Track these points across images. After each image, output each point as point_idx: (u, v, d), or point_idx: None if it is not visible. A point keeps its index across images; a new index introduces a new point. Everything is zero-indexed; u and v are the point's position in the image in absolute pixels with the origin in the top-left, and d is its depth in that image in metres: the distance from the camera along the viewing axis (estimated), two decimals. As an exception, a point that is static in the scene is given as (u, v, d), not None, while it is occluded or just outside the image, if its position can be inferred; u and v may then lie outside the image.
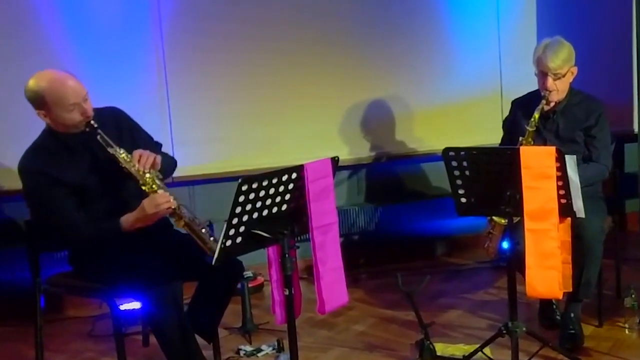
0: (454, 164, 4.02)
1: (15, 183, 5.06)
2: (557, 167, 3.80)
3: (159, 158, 4.03)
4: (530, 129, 4.53)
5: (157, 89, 5.62)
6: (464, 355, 4.38)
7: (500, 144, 4.96)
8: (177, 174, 5.42)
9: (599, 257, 4.47)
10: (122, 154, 3.94)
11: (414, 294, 4.40)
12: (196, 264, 4.07)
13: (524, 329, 4.13)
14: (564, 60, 4.56)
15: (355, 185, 6.30)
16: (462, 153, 3.99)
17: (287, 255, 3.54)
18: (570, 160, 3.80)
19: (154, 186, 3.95)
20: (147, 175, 3.95)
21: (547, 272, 3.86)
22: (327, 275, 3.65)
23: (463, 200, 4.11)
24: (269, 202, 3.50)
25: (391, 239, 6.25)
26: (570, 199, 3.84)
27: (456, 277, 5.99)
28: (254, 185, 3.40)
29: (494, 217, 4.66)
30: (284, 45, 5.92)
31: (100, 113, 4.04)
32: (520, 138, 4.56)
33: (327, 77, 6.03)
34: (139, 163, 3.93)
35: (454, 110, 6.23)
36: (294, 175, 3.54)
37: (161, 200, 3.91)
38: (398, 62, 6.17)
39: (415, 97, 6.24)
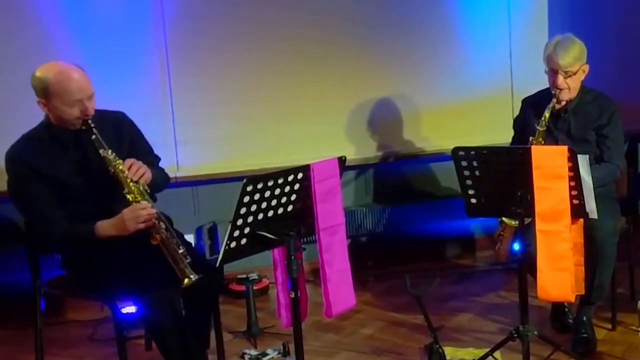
0: (464, 163, 4.00)
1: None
2: (569, 167, 3.78)
3: (149, 173, 3.95)
4: (541, 129, 4.49)
5: (160, 89, 5.60)
6: (474, 360, 4.34)
7: (510, 144, 4.93)
8: (180, 174, 5.41)
9: (612, 259, 4.42)
10: (112, 158, 3.85)
11: (423, 296, 4.36)
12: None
13: (536, 332, 4.10)
14: (575, 57, 4.51)
15: (363, 186, 6.26)
16: (472, 153, 3.97)
17: (293, 257, 3.52)
18: (583, 160, 3.78)
19: (138, 197, 3.86)
20: (134, 185, 3.87)
21: (559, 274, 3.83)
22: (334, 278, 3.64)
23: (473, 200, 4.09)
24: (274, 202, 3.48)
25: (399, 240, 6.21)
26: (583, 199, 3.82)
27: (466, 279, 5.96)
28: (259, 186, 3.39)
29: (504, 219, 4.65)
30: (288, 45, 5.89)
31: (104, 115, 4.02)
32: (531, 138, 4.52)
33: (333, 77, 6.00)
34: (128, 170, 3.86)
35: (463, 109, 6.19)
36: (300, 176, 3.53)
37: (142, 212, 3.80)
38: (405, 61, 6.14)
39: (424, 95, 6.20)
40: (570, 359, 4.31)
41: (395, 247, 6.19)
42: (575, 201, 3.81)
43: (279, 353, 4.71)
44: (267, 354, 4.70)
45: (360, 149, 6.11)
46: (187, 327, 4.00)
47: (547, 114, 4.49)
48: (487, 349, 4.30)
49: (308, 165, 3.53)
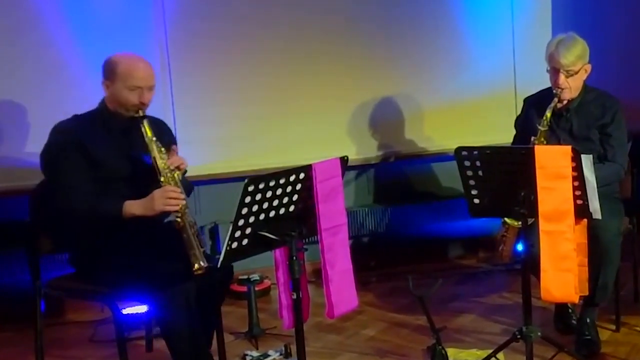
0: (467, 163, 3.99)
1: (15, 182, 5.03)
2: (572, 167, 3.76)
3: (185, 165, 4.15)
4: (543, 128, 4.48)
5: (161, 89, 5.57)
6: (477, 361, 4.34)
7: (512, 144, 4.91)
8: (181, 174, 5.38)
9: (616, 260, 4.40)
10: (156, 146, 4.03)
11: (425, 297, 4.34)
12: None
13: (539, 333, 4.08)
14: (577, 56, 4.49)
15: (364, 186, 6.25)
16: (475, 152, 3.96)
17: (294, 258, 3.52)
18: (587, 160, 3.77)
19: (171, 182, 4.01)
20: (169, 172, 4.02)
21: (562, 275, 3.82)
22: (336, 279, 3.63)
23: (476, 201, 4.08)
24: (275, 203, 3.48)
25: (402, 240, 6.21)
26: (587, 199, 3.81)
27: (469, 280, 5.96)
28: (261, 186, 3.38)
29: (507, 220, 4.63)
30: (290, 45, 5.90)
31: (149, 117, 4.16)
32: (532, 137, 4.50)
33: (334, 76, 6.00)
34: (168, 160, 4.04)
35: (465, 109, 6.19)
36: (301, 176, 3.53)
37: (173, 194, 3.95)
38: (407, 60, 6.14)
39: (426, 95, 6.21)
40: (574, 361, 4.31)
41: (397, 248, 6.19)
42: (579, 201, 3.80)
43: (280, 354, 4.69)
44: (269, 355, 4.68)
45: (362, 148, 6.11)
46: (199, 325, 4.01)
47: (548, 114, 4.47)
48: (490, 350, 4.28)
49: (310, 165, 3.52)
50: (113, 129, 4.15)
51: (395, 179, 6.31)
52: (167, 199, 3.93)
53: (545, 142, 4.47)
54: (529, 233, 3.99)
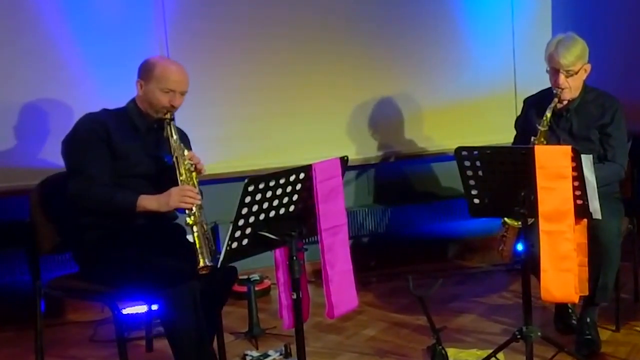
0: (467, 163, 3.98)
1: (15, 182, 5.03)
2: (572, 167, 3.76)
3: (204, 168, 4.23)
4: (543, 128, 4.47)
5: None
6: (477, 361, 4.33)
7: (512, 144, 4.90)
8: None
9: (617, 260, 4.40)
10: (178, 146, 4.10)
11: (425, 297, 4.33)
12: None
13: (539, 333, 4.07)
14: (576, 57, 4.49)
15: (364, 186, 6.25)
16: (475, 153, 3.96)
17: (294, 258, 3.51)
18: (587, 160, 3.77)
19: (190, 183, 4.06)
20: (189, 173, 4.09)
21: (562, 275, 3.82)
22: (336, 279, 3.62)
23: (476, 201, 4.07)
24: (276, 203, 3.47)
25: (402, 241, 6.21)
26: (587, 199, 3.81)
27: (469, 280, 5.95)
28: (261, 186, 3.38)
29: (507, 220, 4.62)
30: (290, 45, 5.90)
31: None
32: (533, 138, 4.49)
33: (334, 76, 5.99)
34: (189, 160, 4.11)
35: (465, 109, 6.19)
36: (301, 176, 3.52)
37: (190, 193, 3.99)
38: (407, 60, 6.14)
39: (426, 95, 6.20)
40: (574, 361, 4.30)
41: (397, 248, 6.18)
42: (579, 201, 3.79)
43: (280, 354, 4.69)
44: (269, 355, 4.67)
45: (362, 148, 6.11)
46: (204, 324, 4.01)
47: (548, 114, 4.46)
48: (491, 350, 4.27)
49: (310, 165, 3.51)
50: (139, 127, 4.22)
51: (395, 179, 6.31)
52: (184, 196, 3.97)
53: (545, 142, 4.46)
54: (529, 233, 3.99)
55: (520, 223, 4.17)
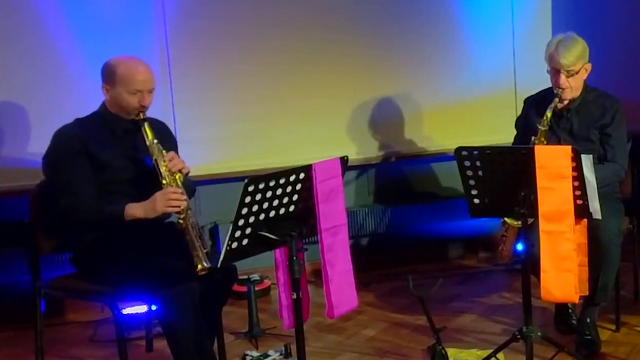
0: (467, 163, 3.97)
1: (15, 182, 5.03)
2: (572, 167, 3.75)
3: (187, 168, 4.16)
4: (543, 128, 4.47)
5: (161, 89, 5.56)
6: (477, 361, 4.33)
7: (513, 143, 4.89)
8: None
9: (617, 260, 4.39)
10: (157, 148, 4.04)
11: (425, 297, 4.33)
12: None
13: (539, 333, 4.07)
14: (577, 56, 4.48)
15: (364, 186, 6.24)
16: (475, 153, 3.95)
17: (294, 258, 3.50)
18: (587, 160, 3.76)
19: (173, 184, 4.02)
20: (171, 174, 4.04)
21: (563, 275, 3.81)
22: (336, 279, 3.62)
23: (476, 201, 4.06)
24: (276, 203, 3.47)
25: (402, 241, 6.20)
26: (587, 199, 3.80)
27: (469, 280, 5.94)
28: (261, 186, 3.37)
29: (507, 220, 4.61)
30: (289, 44, 5.89)
31: (151, 119, 4.18)
32: (533, 137, 4.49)
33: (334, 76, 5.98)
34: (169, 162, 4.04)
35: (465, 109, 6.18)
36: (301, 176, 3.52)
37: (174, 195, 3.96)
38: (407, 60, 6.13)
39: (426, 95, 6.20)
40: (574, 361, 4.30)
41: (397, 248, 6.18)
42: (579, 201, 3.79)
43: (280, 354, 4.68)
44: (269, 355, 4.67)
45: (362, 148, 6.10)
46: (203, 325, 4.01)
47: (549, 114, 4.46)
48: (491, 350, 4.27)
49: (310, 165, 3.51)
50: (116, 131, 4.16)
51: (396, 179, 6.31)
52: (168, 200, 3.93)
53: (545, 142, 4.46)
54: (529, 233, 3.98)
55: (520, 223, 4.17)
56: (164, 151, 4.05)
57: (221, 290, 4.17)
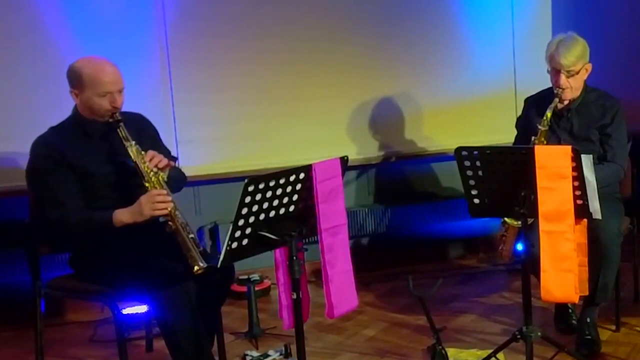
0: (467, 163, 3.97)
1: (15, 182, 5.03)
2: (572, 167, 3.75)
3: (170, 164, 4.09)
4: (543, 128, 4.46)
5: (161, 88, 5.60)
6: (477, 361, 4.33)
7: (513, 143, 4.89)
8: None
9: (617, 260, 4.39)
10: (135, 150, 3.96)
11: (425, 297, 4.32)
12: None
13: (539, 333, 4.07)
14: (577, 57, 4.48)
15: (364, 186, 6.24)
16: (475, 153, 3.95)
17: (294, 258, 3.50)
18: (587, 160, 3.76)
19: (157, 186, 3.96)
20: (154, 175, 3.97)
21: (563, 275, 3.81)
22: (336, 279, 3.62)
23: (476, 201, 4.06)
24: (276, 203, 3.47)
25: (402, 241, 6.19)
26: (587, 199, 3.80)
27: (469, 280, 5.93)
28: (261, 186, 3.37)
29: (507, 220, 4.60)
30: (290, 44, 5.88)
31: (126, 115, 4.11)
32: (533, 137, 4.48)
33: (334, 76, 5.98)
34: (150, 161, 3.97)
35: (465, 109, 6.18)
36: (301, 176, 3.52)
37: (159, 197, 3.90)
38: (408, 60, 6.13)
39: (426, 95, 6.19)
40: (574, 361, 4.30)
41: (397, 248, 6.17)
42: (579, 201, 3.79)
43: (280, 354, 4.68)
44: (269, 355, 4.67)
45: (362, 148, 6.09)
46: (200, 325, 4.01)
47: (549, 114, 4.45)
48: (491, 350, 4.27)
49: (310, 165, 3.51)
50: (92, 135, 4.08)
51: (396, 179, 6.30)
52: (154, 203, 3.87)
53: (545, 142, 4.46)
54: (529, 233, 3.98)
55: (520, 223, 4.17)
56: (142, 152, 3.98)
57: (219, 289, 4.16)
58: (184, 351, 3.93)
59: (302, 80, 5.91)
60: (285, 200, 3.49)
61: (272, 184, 3.39)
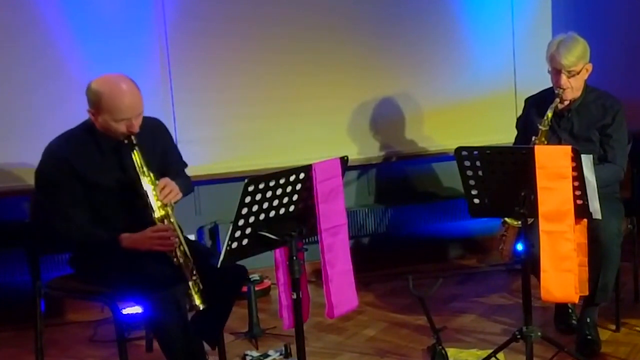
0: (467, 163, 3.97)
1: (14, 183, 5.03)
2: (572, 167, 3.74)
3: (179, 195, 4.05)
4: (543, 128, 4.46)
5: (161, 88, 5.59)
6: (477, 361, 4.32)
7: (514, 144, 4.89)
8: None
9: (617, 260, 4.39)
10: (147, 180, 3.93)
11: (425, 297, 4.33)
12: (199, 270, 3.97)
13: (539, 333, 4.06)
14: (578, 57, 4.48)
15: (365, 186, 6.23)
16: (475, 153, 3.94)
17: (294, 258, 3.50)
18: (587, 160, 3.75)
19: (165, 220, 3.94)
20: (162, 208, 3.95)
21: (563, 275, 3.81)
22: (336, 279, 3.62)
23: (476, 201, 4.06)
24: (276, 203, 3.47)
25: (402, 241, 6.20)
26: (587, 200, 3.79)
27: (469, 280, 5.93)
28: (261, 186, 3.37)
29: (506, 219, 4.60)
30: (290, 44, 5.88)
31: (143, 119, 4.04)
32: (533, 137, 4.48)
33: (335, 76, 5.97)
34: (161, 192, 3.94)
35: (466, 109, 6.18)
36: (301, 176, 3.51)
37: (164, 234, 3.89)
38: (408, 60, 6.13)
39: (426, 95, 6.19)
40: (574, 360, 4.30)
41: (397, 248, 6.17)
42: (579, 201, 3.78)
43: (280, 354, 4.68)
44: (269, 355, 4.67)
45: (363, 148, 6.09)
46: (198, 326, 4.03)
47: (549, 114, 4.45)
48: (491, 350, 4.26)
49: (310, 165, 3.50)
50: (105, 149, 4.02)
51: (396, 179, 6.30)
52: (158, 239, 3.87)
53: (546, 142, 4.46)
54: (529, 233, 3.98)
55: (519, 222, 4.16)
56: (155, 181, 3.95)
57: (229, 290, 4.16)
58: (175, 352, 3.94)
59: (302, 80, 5.91)
60: (285, 200, 3.49)
61: (272, 184, 3.39)
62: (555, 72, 4.50)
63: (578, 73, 4.49)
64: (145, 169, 3.92)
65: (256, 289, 5.18)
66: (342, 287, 3.63)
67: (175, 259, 3.89)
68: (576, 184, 3.75)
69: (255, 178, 3.34)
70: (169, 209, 3.96)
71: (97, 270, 4.05)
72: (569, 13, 6.23)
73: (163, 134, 4.30)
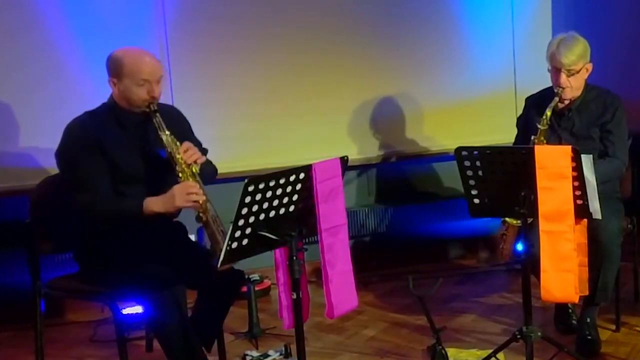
0: (467, 163, 3.97)
1: (15, 183, 5.03)
2: (572, 167, 3.75)
3: (203, 158, 4.09)
4: (542, 127, 4.46)
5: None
6: (477, 361, 4.32)
7: (514, 143, 4.89)
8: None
9: (617, 260, 4.39)
10: (171, 140, 3.95)
11: (425, 297, 4.33)
12: (199, 272, 3.99)
13: (539, 333, 4.07)
14: (578, 56, 4.48)
15: (365, 186, 6.24)
16: (475, 153, 3.95)
17: (294, 258, 3.49)
18: (587, 160, 3.75)
19: (190, 177, 3.95)
20: (187, 167, 3.96)
21: (563, 275, 3.81)
22: (336, 279, 3.61)
23: (476, 201, 4.06)
24: (276, 203, 3.46)
25: (402, 241, 6.20)
26: (587, 199, 3.80)
27: (469, 280, 5.94)
28: (261, 186, 3.36)
29: (507, 219, 4.59)
30: (290, 44, 5.89)
31: (161, 106, 4.08)
32: (533, 137, 4.48)
33: (335, 76, 5.98)
34: (184, 153, 3.96)
35: (466, 108, 6.18)
36: (301, 176, 3.50)
37: (193, 190, 3.89)
38: (408, 59, 6.14)
39: (427, 94, 6.20)
40: (574, 361, 4.30)
41: (397, 248, 6.18)
42: (579, 201, 3.79)
43: (280, 354, 4.68)
44: (269, 355, 4.67)
45: (363, 148, 6.10)
46: (193, 327, 4.01)
47: (548, 113, 4.45)
48: (491, 350, 4.27)
49: (310, 165, 3.50)
50: (127, 125, 4.06)
51: (396, 179, 6.31)
52: (187, 194, 3.87)
53: (545, 141, 4.46)
54: (529, 233, 3.98)
55: (519, 221, 4.16)
56: (178, 142, 3.98)
57: (228, 292, 4.17)
58: (175, 352, 3.94)
59: (302, 80, 5.92)
60: (285, 200, 3.48)
61: (272, 184, 3.38)
62: (555, 70, 4.51)
63: (578, 72, 4.49)
64: (167, 132, 3.94)
65: (256, 289, 5.18)
66: (342, 287, 3.62)
67: (202, 215, 3.90)
68: (576, 184, 3.75)
69: (255, 178, 3.34)
70: (193, 169, 3.97)
71: (99, 270, 4.05)
72: (569, 13, 6.24)
73: (182, 121, 4.33)
